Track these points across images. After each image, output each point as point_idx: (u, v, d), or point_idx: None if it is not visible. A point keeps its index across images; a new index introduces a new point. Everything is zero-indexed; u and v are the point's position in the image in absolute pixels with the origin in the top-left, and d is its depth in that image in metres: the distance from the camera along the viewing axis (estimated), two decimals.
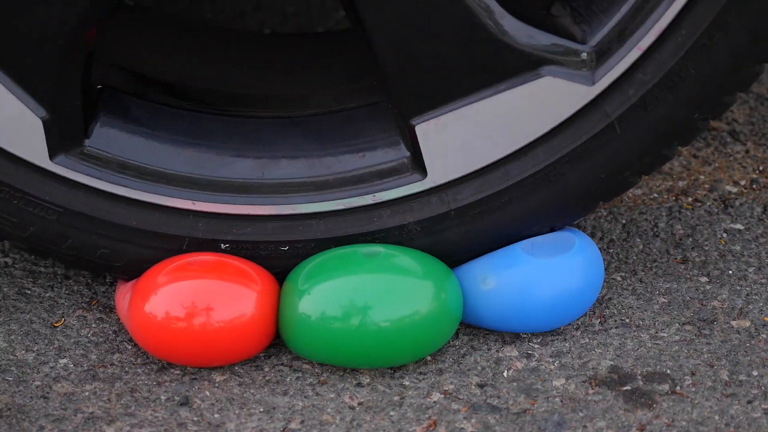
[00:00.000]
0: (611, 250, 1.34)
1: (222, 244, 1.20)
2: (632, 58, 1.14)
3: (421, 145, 1.16)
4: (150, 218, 1.20)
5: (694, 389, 1.18)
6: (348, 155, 1.20)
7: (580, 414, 1.15)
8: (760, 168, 1.44)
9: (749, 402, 1.16)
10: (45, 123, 1.15)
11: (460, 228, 1.20)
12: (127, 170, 1.19)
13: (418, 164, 1.18)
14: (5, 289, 1.30)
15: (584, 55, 1.14)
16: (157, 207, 1.20)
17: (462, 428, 1.14)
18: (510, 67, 1.13)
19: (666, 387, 1.18)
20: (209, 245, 1.20)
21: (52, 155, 1.18)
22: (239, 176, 1.20)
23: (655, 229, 1.37)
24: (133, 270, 1.22)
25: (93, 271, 1.24)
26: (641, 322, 1.25)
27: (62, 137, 1.17)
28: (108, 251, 1.21)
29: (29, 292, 1.30)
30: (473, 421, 1.15)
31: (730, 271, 1.31)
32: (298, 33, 1.64)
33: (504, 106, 1.15)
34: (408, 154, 1.19)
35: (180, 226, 1.20)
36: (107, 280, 1.30)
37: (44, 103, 1.15)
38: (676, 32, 1.13)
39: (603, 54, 1.14)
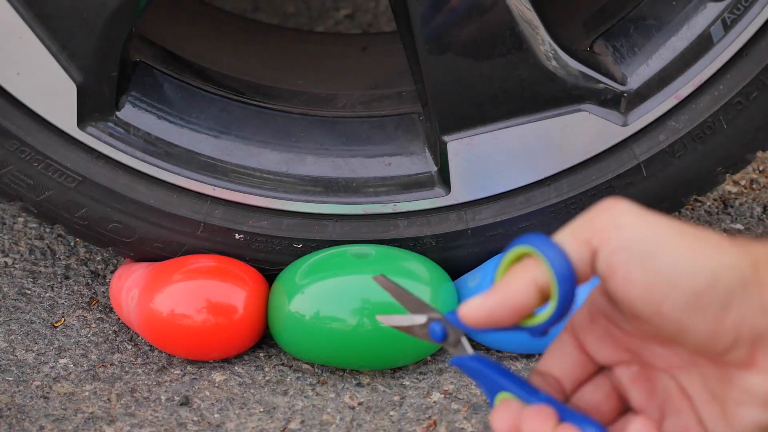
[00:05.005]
0: None
1: (236, 234, 1.20)
2: (668, 105, 1.17)
3: (450, 161, 1.18)
4: (168, 198, 1.19)
5: None
6: (374, 161, 1.21)
7: None
8: (760, 168, 1.46)
9: None
10: (79, 89, 1.14)
11: (474, 248, 1.21)
12: (153, 147, 1.19)
13: (443, 180, 1.19)
14: (5, 289, 1.28)
15: (622, 96, 1.17)
16: (177, 188, 1.19)
17: (462, 428, 1.15)
18: (552, 97, 1.15)
19: None
20: (224, 233, 1.20)
21: (80, 123, 1.16)
22: (264, 168, 1.20)
23: None
24: (141, 248, 1.21)
25: (98, 244, 1.22)
26: None
27: (93, 106, 1.16)
28: (120, 226, 1.20)
29: (29, 292, 1.28)
30: (473, 421, 1.15)
31: None
32: (335, 33, 1.65)
33: (538, 135, 1.17)
34: (435, 168, 1.20)
35: (197, 210, 1.20)
36: (107, 280, 1.29)
37: (82, 69, 1.14)
38: (715, 86, 1.16)
39: (640, 97, 1.17)
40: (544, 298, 0.76)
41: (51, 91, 1.14)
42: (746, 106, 1.16)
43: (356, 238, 1.21)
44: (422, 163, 1.20)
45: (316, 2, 1.75)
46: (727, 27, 1.15)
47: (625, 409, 0.80)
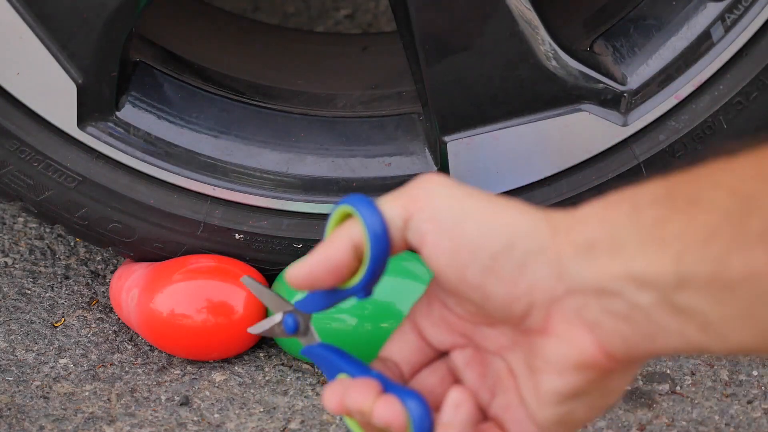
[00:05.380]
0: None
1: (236, 234, 1.20)
2: (668, 105, 1.17)
3: (449, 161, 1.18)
4: (168, 199, 1.19)
5: (694, 389, 1.19)
6: (374, 161, 1.21)
7: None
8: None
9: (749, 402, 1.18)
10: (79, 89, 1.14)
11: None
12: (153, 148, 1.19)
13: None
14: (5, 289, 1.28)
15: (622, 96, 1.17)
16: (177, 188, 1.19)
17: None
18: (552, 97, 1.15)
19: (666, 387, 1.20)
20: (224, 233, 1.20)
21: (80, 123, 1.16)
22: (264, 168, 1.20)
23: None
24: (141, 248, 1.21)
25: (98, 244, 1.23)
26: None
27: (93, 106, 1.16)
28: (120, 226, 1.20)
29: (29, 292, 1.28)
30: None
31: None
32: (335, 33, 1.65)
33: (538, 135, 1.17)
34: (435, 168, 1.20)
35: (197, 210, 1.20)
36: (107, 280, 1.29)
37: (82, 69, 1.14)
38: (715, 86, 1.16)
39: (640, 97, 1.17)
40: (359, 257, 0.78)
41: (51, 91, 1.15)
42: (746, 106, 1.16)
43: None
44: (422, 163, 1.20)
45: (316, 2, 1.75)
46: (727, 27, 1.15)
47: None
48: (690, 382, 1.20)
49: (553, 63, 1.14)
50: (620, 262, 0.72)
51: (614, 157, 1.19)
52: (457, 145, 1.17)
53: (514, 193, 1.19)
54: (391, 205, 0.77)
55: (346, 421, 0.82)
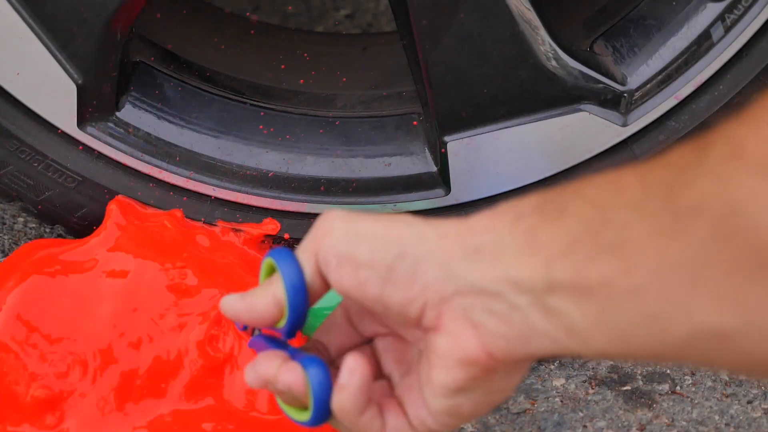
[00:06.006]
0: None
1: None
2: (668, 105, 1.17)
3: (449, 161, 1.18)
4: (168, 199, 1.20)
5: (694, 389, 1.20)
6: (374, 161, 1.21)
7: (580, 414, 1.17)
8: None
9: (749, 402, 1.18)
10: (79, 89, 1.14)
11: None
12: (153, 148, 1.19)
13: (443, 180, 1.19)
14: None
15: (622, 97, 1.17)
16: (177, 189, 1.19)
17: (462, 428, 1.15)
18: (552, 97, 1.15)
19: (666, 387, 1.20)
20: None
21: (80, 123, 1.17)
22: (264, 168, 1.20)
23: None
24: None
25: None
26: None
27: (93, 106, 1.16)
28: None
29: None
30: (473, 420, 1.15)
31: None
32: (335, 33, 1.65)
33: (538, 135, 1.17)
34: (435, 168, 1.20)
35: (197, 210, 1.20)
36: None
37: (82, 69, 1.14)
38: (715, 86, 1.17)
39: (640, 97, 1.17)
40: (281, 306, 0.84)
41: (51, 91, 1.15)
42: (746, 106, 1.16)
43: None
44: (422, 163, 1.21)
45: (316, 2, 1.75)
46: (727, 27, 1.15)
47: (379, 374, 0.87)
48: (690, 382, 1.20)
49: (553, 63, 1.15)
50: (500, 266, 0.77)
51: (614, 157, 1.19)
52: (457, 145, 1.17)
53: (514, 193, 1.19)
54: (303, 252, 0.84)
55: (278, 402, 0.88)
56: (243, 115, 1.22)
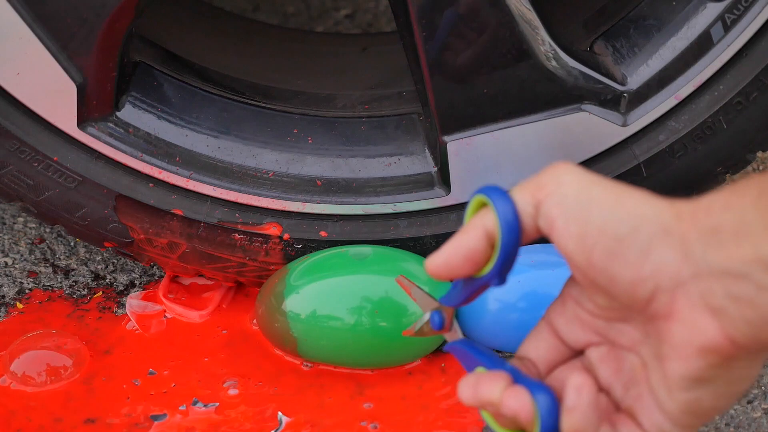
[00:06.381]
0: None
1: (236, 234, 1.20)
2: (668, 105, 1.17)
3: (449, 161, 1.18)
4: (168, 199, 1.19)
5: None
6: (374, 161, 1.21)
7: None
8: (760, 168, 1.45)
9: (749, 402, 1.18)
10: (79, 89, 1.14)
11: None
12: (153, 148, 1.19)
13: (443, 180, 1.19)
14: (5, 289, 1.28)
15: (622, 97, 1.17)
16: (177, 189, 1.19)
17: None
18: (552, 97, 1.15)
19: None
20: (223, 233, 1.20)
21: (80, 123, 1.17)
22: (264, 168, 1.20)
23: None
24: (141, 248, 1.21)
25: (98, 244, 1.23)
26: None
27: (93, 106, 1.16)
28: (120, 226, 1.20)
29: (29, 292, 1.28)
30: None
31: None
32: (335, 33, 1.65)
33: (538, 135, 1.17)
34: (435, 168, 1.20)
35: (197, 210, 1.20)
36: (107, 281, 1.29)
37: (82, 69, 1.14)
38: (715, 86, 1.16)
39: (640, 97, 1.17)
40: (493, 245, 0.81)
41: (51, 91, 1.15)
42: (746, 106, 1.16)
43: (356, 238, 1.21)
44: (422, 163, 1.21)
45: (316, 2, 1.75)
46: (727, 27, 1.15)
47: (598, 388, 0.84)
48: None
49: (553, 63, 1.14)
50: (747, 245, 0.73)
51: (614, 157, 1.19)
52: (457, 145, 1.17)
53: None
54: (521, 194, 0.81)
55: (483, 415, 0.84)
56: (243, 115, 1.22)
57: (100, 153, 1.18)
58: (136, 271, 1.30)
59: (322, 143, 1.21)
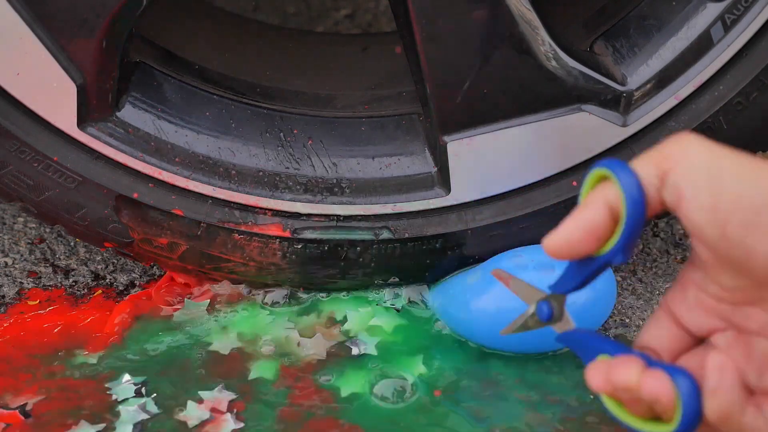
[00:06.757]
0: None
1: (236, 234, 1.20)
2: (668, 105, 1.17)
3: (450, 162, 1.18)
4: (168, 199, 1.19)
5: None
6: (373, 161, 1.21)
7: None
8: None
9: None
10: (79, 89, 1.14)
11: (475, 248, 1.21)
12: (153, 148, 1.19)
13: (443, 180, 1.19)
14: (5, 289, 1.28)
15: (622, 97, 1.17)
16: (177, 189, 1.19)
17: None
18: (552, 97, 1.15)
19: None
20: (223, 233, 1.20)
21: (80, 123, 1.16)
22: (263, 168, 1.20)
23: (655, 229, 1.38)
24: (141, 249, 1.21)
25: (98, 244, 1.23)
26: (641, 322, 1.26)
27: (93, 106, 1.16)
28: (120, 226, 1.20)
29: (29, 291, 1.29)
30: None
31: None
32: (335, 33, 1.65)
33: (538, 135, 1.17)
34: (435, 169, 1.20)
35: (197, 210, 1.20)
36: (107, 281, 1.29)
37: (82, 69, 1.14)
38: (715, 87, 1.16)
39: (640, 98, 1.17)
40: (616, 219, 0.78)
41: (51, 91, 1.14)
42: (746, 106, 1.16)
43: (356, 238, 1.21)
44: (422, 164, 1.21)
45: (316, 2, 1.75)
46: (727, 27, 1.15)
47: None
48: None
49: (553, 63, 1.14)
50: None
51: (614, 157, 1.19)
52: (457, 145, 1.17)
53: (514, 193, 1.19)
54: (645, 165, 0.78)
55: (604, 401, 0.82)
56: (243, 115, 1.22)
57: (100, 153, 1.18)
58: (136, 270, 1.30)
59: (323, 143, 1.21)
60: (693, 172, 0.76)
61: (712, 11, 1.15)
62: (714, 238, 0.75)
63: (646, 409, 0.78)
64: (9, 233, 1.36)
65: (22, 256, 1.32)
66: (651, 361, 0.79)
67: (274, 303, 1.25)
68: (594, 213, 0.78)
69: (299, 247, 1.21)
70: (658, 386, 0.76)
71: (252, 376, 1.18)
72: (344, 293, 1.26)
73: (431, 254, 1.21)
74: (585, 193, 0.81)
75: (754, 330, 0.79)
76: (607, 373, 0.79)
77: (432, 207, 1.20)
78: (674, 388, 0.76)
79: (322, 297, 1.26)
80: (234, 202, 1.20)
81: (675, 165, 0.76)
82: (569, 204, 1.19)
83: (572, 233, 0.79)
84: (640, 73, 1.17)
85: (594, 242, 0.79)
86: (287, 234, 1.20)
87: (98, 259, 1.32)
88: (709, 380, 0.76)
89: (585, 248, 0.79)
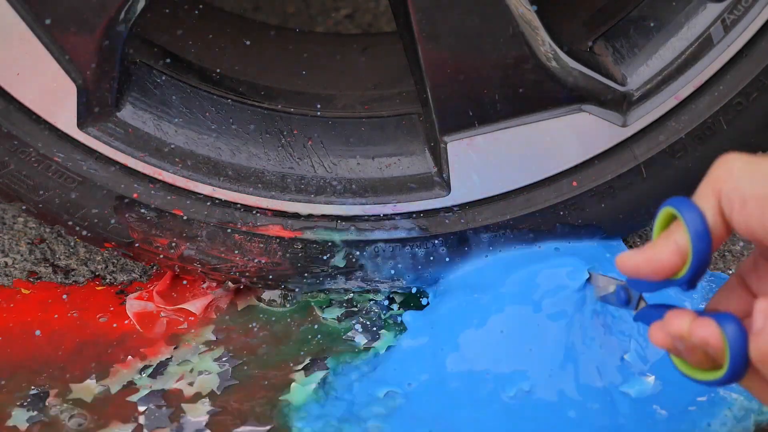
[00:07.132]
0: None
1: (236, 234, 1.20)
2: (668, 106, 1.17)
3: (450, 162, 1.18)
4: (169, 199, 1.19)
5: None
6: (373, 161, 1.21)
7: None
8: None
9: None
10: (79, 90, 1.14)
11: (474, 249, 1.21)
12: (153, 148, 1.19)
13: (443, 180, 1.19)
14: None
15: (622, 97, 1.17)
16: (177, 189, 1.19)
17: None
18: (552, 97, 1.15)
19: None
20: (223, 233, 1.20)
21: (80, 123, 1.17)
22: (263, 168, 1.20)
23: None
24: (141, 249, 1.21)
25: (97, 244, 1.23)
26: None
27: (93, 107, 1.16)
28: (120, 226, 1.20)
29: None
30: None
31: (730, 271, 1.32)
32: (335, 33, 1.65)
33: (538, 135, 1.17)
34: (435, 169, 1.20)
35: (197, 211, 1.20)
36: (107, 281, 1.29)
37: (82, 70, 1.14)
38: (715, 87, 1.16)
39: (640, 98, 1.17)
40: (684, 256, 0.86)
41: (51, 91, 1.15)
42: (746, 106, 1.16)
43: (356, 238, 1.21)
44: (422, 164, 1.21)
45: (316, 2, 1.75)
46: (727, 27, 1.15)
47: None
48: None
49: (554, 63, 1.14)
50: None
51: (614, 157, 1.19)
52: (457, 145, 1.17)
53: (514, 193, 1.19)
54: (704, 198, 0.86)
55: (674, 361, 0.89)
56: (243, 115, 1.22)
57: (100, 153, 1.18)
58: (136, 271, 1.30)
59: (323, 143, 1.21)
60: (738, 186, 0.84)
61: (712, 11, 1.15)
62: (765, 237, 0.83)
63: (703, 357, 0.86)
64: (9, 233, 1.36)
65: (22, 256, 1.33)
66: (704, 313, 0.87)
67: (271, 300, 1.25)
68: (664, 255, 0.87)
69: (299, 247, 1.21)
70: (706, 331, 0.84)
71: None
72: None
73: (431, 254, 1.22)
74: (656, 231, 0.90)
75: None
76: (664, 327, 0.87)
77: (432, 207, 1.20)
78: (721, 332, 0.83)
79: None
80: (234, 203, 1.20)
81: (723, 186, 0.85)
82: (569, 203, 1.19)
83: (640, 265, 0.88)
84: (640, 74, 1.17)
85: (660, 277, 0.88)
86: (287, 234, 1.20)
87: (98, 259, 1.32)
88: (754, 323, 0.82)
89: (649, 279, 0.88)
